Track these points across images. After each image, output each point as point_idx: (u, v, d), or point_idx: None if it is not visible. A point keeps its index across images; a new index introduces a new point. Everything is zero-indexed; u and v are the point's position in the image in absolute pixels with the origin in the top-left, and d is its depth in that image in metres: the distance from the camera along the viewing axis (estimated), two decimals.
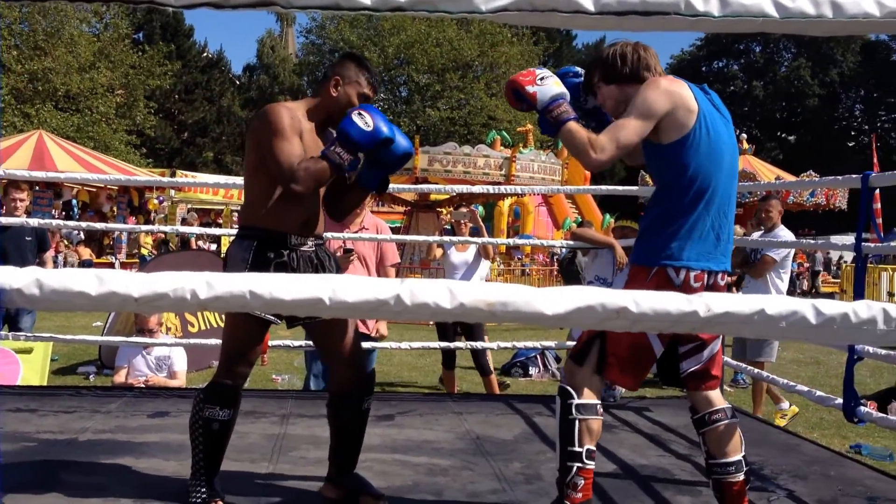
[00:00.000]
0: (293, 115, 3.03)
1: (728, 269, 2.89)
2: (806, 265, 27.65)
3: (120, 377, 6.21)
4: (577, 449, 2.79)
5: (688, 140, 2.75)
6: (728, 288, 2.99)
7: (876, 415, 4.05)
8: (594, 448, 2.84)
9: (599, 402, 2.86)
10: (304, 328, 3.34)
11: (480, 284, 1.13)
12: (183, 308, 1.04)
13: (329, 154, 2.94)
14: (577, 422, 2.80)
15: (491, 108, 39.17)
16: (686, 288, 2.76)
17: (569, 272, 6.98)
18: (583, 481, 2.80)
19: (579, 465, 2.79)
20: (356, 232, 5.30)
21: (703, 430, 2.96)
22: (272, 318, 3.11)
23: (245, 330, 3.08)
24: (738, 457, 2.92)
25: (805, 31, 1.11)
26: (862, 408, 4.06)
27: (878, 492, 3.57)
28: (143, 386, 5.92)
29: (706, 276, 2.80)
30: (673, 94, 2.73)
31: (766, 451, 4.10)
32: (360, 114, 2.94)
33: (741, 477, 2.91)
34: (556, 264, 21.32)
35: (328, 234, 5.06)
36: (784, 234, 6.55)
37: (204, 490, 3.08)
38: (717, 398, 2.96)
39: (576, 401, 2.82)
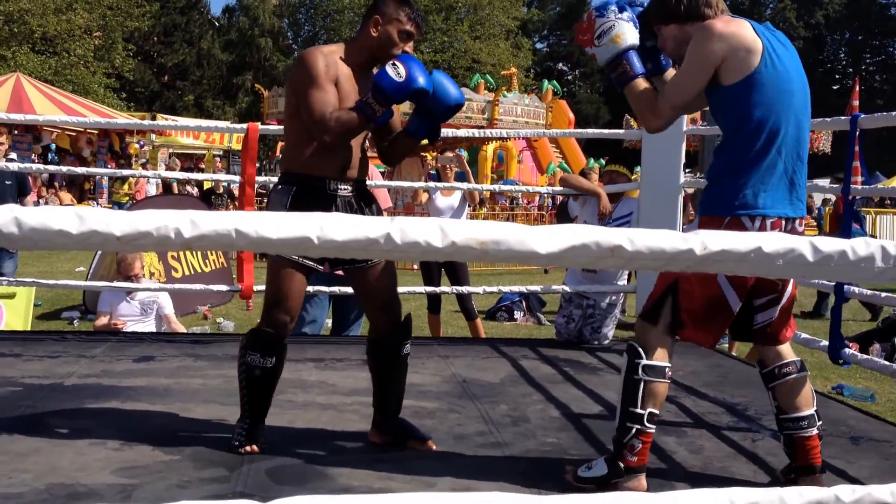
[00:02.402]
0: (329, 61, 3.00)
1: (804, 214, 2.75)
2: None
3: (101, 322, 6.18)
4: (638, 411, 2.67)
5: (752, 80, 2.60)
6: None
7: (860, 356, 4.09)
8: (657, 412, 2.70)
9: (669, 364, 2.72)
10: (345, 273, 3.31)
11: (472, 223, 1.10)
12: (166, 247, 1.01)
13: (361, 105, 2.91)
14: (642, 383, 2.67)
15: (475, 50, 38.80)
16: None
17: (561, 216, 6.97)
18: (640, 445, 2.68)
19: (639, 427, 2.67)
20: None
21: (773, 385, 2.85)
22: (312, 263, 3.08)
23: (284, 276, 3.04)
24: (811, 411, 2.82)
25: None
26: (846, 350, 4.09)
27: (861, 431, 3.61)
28: (122, 328, 5.90)
29: (783, 223, 2.67)
30: (728, 36, 2.58)
31: (750, 392, 4.14)
32: (394, 64, 2.87)
33: (814, 431, 2.81)
34: (540, 209, 21.31)
35: None
36: None
37: (244, 434, 3.09)
38: (787, 351, 2.86)
39: (644, 361, 2.68)
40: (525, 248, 1.09)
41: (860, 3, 47.03)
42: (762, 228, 2.64)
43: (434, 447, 3.17)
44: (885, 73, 49.47)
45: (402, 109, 3.43)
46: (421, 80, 2.87)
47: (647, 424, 2.67)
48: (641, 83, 2.75)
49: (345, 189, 3.11)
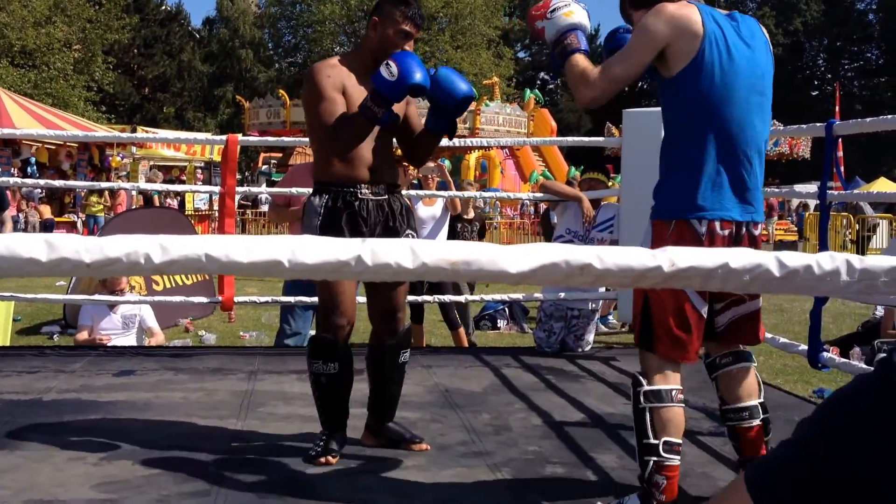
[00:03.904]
0: (334, 72, 3.07)
1: (757, 218, 2.60)
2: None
3: (83, 336, 6.15)
4: (652, 441, 2.50)
5: (692, 69, 2.48)
6: (753, 241, 2.63)
7: (839, 360, 4.12)
8: (676, 440, 2.51)
9: (674, 388, 2.55)
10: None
11: (443, 243, 1.11)
12: (137, 272, 1.02)
13: (362, 109, 2.94)
14: (646, 411, 2.52)
15: (456, 60, 38.85)
16: (713, 239, 2.52)
17: (545, 225, 6.99)
18: (664, 480, 2.50)
19: (656, 459, 2.49)
20: None
21: (715, 375, 2.75)
22: None
23: (332, 281, 3.07)
24: (754, 402, 2.70)
25: None
26: (825, 353, 4.12)
27: None
28: (108, 343, 5.87)
29: (734, 226, 2.55)
30: (678, 19, 2.46)
31: None
32: (387, 64, 2.89)
33: (756, 422, 2.68)
34: (523, 217, 21.37)
35: (301, 190, 5.00)
36: None
37: (321, 445, 3.13)
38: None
39: (644, 388, 2.54)
40: (496, 267, 1.10)
41: (838, 10, 47.48)
42: (710, 230, 2.53)
43: (427, 447, 3.24)
44: (863, 79, 49.92)
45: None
46: (417, 76, 2.87)
47: (665, 455, 2.49)
48: (582, 58, 2.61)
49: (376, 193, 3.15)
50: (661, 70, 2.56)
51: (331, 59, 3.20)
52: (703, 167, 2.51)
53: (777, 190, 7.53)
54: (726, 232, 2.55)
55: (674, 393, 2.55)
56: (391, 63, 2.88)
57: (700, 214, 2.52)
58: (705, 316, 2.62)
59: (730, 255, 1.14)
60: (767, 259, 1.14)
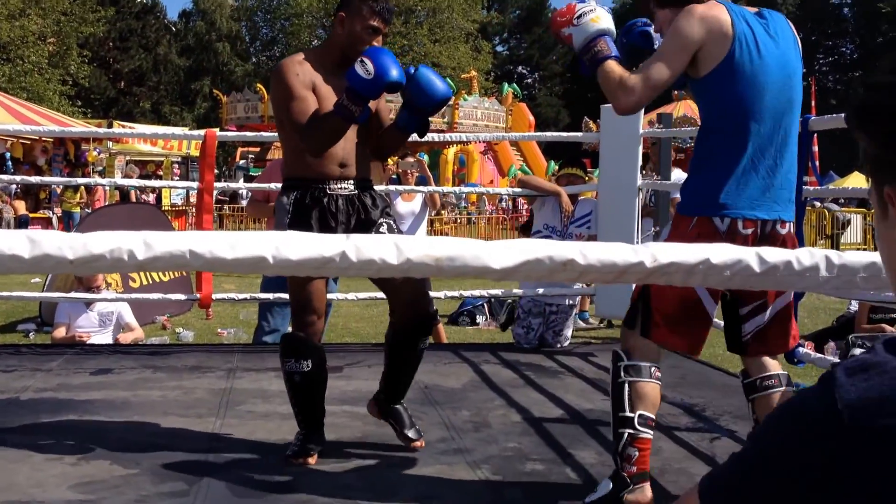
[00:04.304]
0: (302, 69, 3.03)
1: (785, 217, 2.60)
2: None
3: (60, 333, 6.10)
4: (627, 414, 2.57)
5: (722, 70, 2.49)
6: (780, 240, 2.57)
7: (814, 355, 4.16)
8: (651, 415, 2.58)
9: (654, 364, 2.62)
10: None
11: (427, 239, 1.11)
12: (120, 269, 1.01)
13: (338, 107, 2.91)
14: (625, 384, 2.59)
15: (435, 54, 38.84)
16: (734, 237, 2.48)
17: (527, 222, 6.97)
18: (637, 452, 2.56)
19: (630, 431, 2.56)
20: None
21: (754, 396, 2.72)
22: None
23: (303, 279, 3.04)
24: None
25: None
26: (801, 349, 4.16)
27: None
28: (85, 341, 5.83)
29: (759, 225, 2.55)
30: (707, 20, 2.47)
31: (707, 393, 4.19)
32: (362, 61, 2.85)
33: None
34: (502, 212, 21.40)
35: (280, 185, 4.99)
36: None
37: (298, 444, 3.11)
38: (773, 364, 2.72)
39: (624, 362, 2.61)
40: (480, 263, 1.10)
41: (813, 4, 47.83)
42: (732, 229, 2.53)
43: (422, 445, 3.23)
44: (837, 73, 50.35)
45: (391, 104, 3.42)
46: (393, 73, 2.84)
47: (640, 428, 2.56)
48: (615, 64, 2.59)
49: (346, 188, 3.12)
50: (689, 70, 2.56)
51: (297, 55, 3.15)
52: (730, 165, 2.53)
53: None
54: (749, 231, 2.55)
55: (652, 370, 2.61)
56: (366, 60, 2.84)
57: (723, 212, 2.53)
58: (712, 317, 2.65)
59: (711, 250, 1.15)
60: (748, 255, 1.15)
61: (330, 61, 3.11)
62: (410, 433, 3.25)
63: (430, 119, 3.19)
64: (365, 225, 3.14)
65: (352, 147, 3.14)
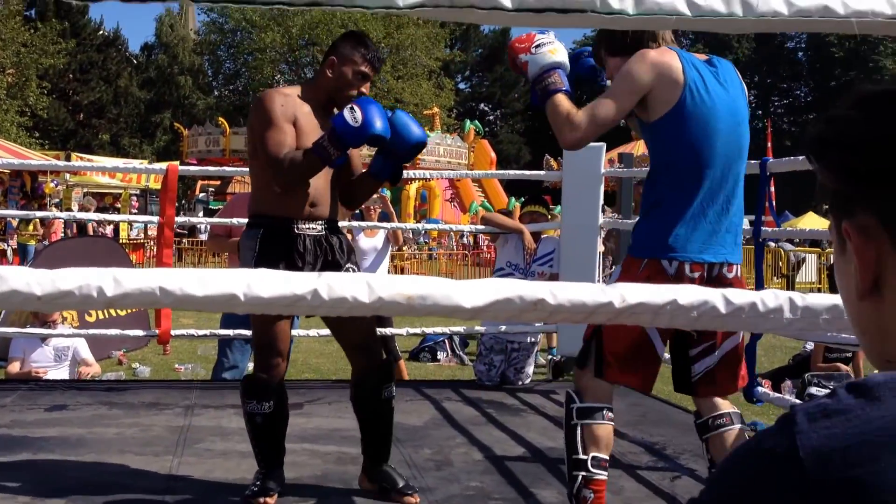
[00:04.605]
0: (287, 101, 3.00)
1: (732, 260, 2.63)
2: None
3: (14, 368, 5.98)
4: (581, 456, 2.57)
5: (673, 115, 2.53)
6: (727, 284, 2.54)
7: (772, 395, 4.21)
8: (604, 456, 2.59)
9: (606, 405, 2.62)
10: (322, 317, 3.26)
11: (400, 278, 1.12)
12: (89, 306, 1.00)
13: (317, 147, 2.88)
14: (578, 427, 2.59)
15: (398, 90, 39.03)
16: (681, 280, 2.52)
17: None
18: (591, 494, 2.55)
19: (584, 473, 2.55)
20: None
21: (707, 436, 2.72)
22: None
23: (268, 318, 2.97)
24: None
25: (717, 29, 1.13)
26: (759, 388, 4.21)
27: None
28: (40, 377, 5.72)
29: (706, 268, 2.57)
30: (658, 65, 2.52)
31: (667, 431, 4.21)
32: (352, 108, 2.83)
33: None
34: (463, 249, 21.44)
35: (242, 220, 4.95)
36: None
37: (258, 484, 3.03)
38: (724, 403, 2.73)
39: (576, 404, 2.61)
40: (451, 302, 1.11)
41: (768, 48, 48.92)
42: (680, 272, 2.55)
43: (417, 500, 3.10)
44: (792, 116, 51.41)
45: (363, 152, 3.41)
46: (378, 125, 2.83)
47: (593, 470, 2.56)
48: (565, 98, 2.61)
49: (313, 229, 3.07)
50: (640, 114, 2.61)
51: (284, 87, 3.16)
52: (680, 209, 2.55)
53: None
54: (696, 274, 2.57)
55: (604, 411, 2.62)
56: (356, 108, 2.82)
57: (671, 255, 2.55)
58: (662, 358, 2.67)
59: (678, 291, 1.16)
60: (714, 296, 1.17)
61: (315, 100, 3.10)
62: (404, 488, 3.12)
63: (403, 166, 3.17)
64: (331, 267, 3.08)
65: (324, 188, 3.10)
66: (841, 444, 0.59)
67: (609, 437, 2.63)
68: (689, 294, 1.16)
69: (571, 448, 2.61)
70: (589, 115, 2.54)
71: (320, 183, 3.08)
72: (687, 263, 2.56)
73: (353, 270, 3.17)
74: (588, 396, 2.63)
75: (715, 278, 2.59)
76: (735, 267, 2.65)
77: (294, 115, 3.01)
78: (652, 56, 2.55)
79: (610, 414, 2.64)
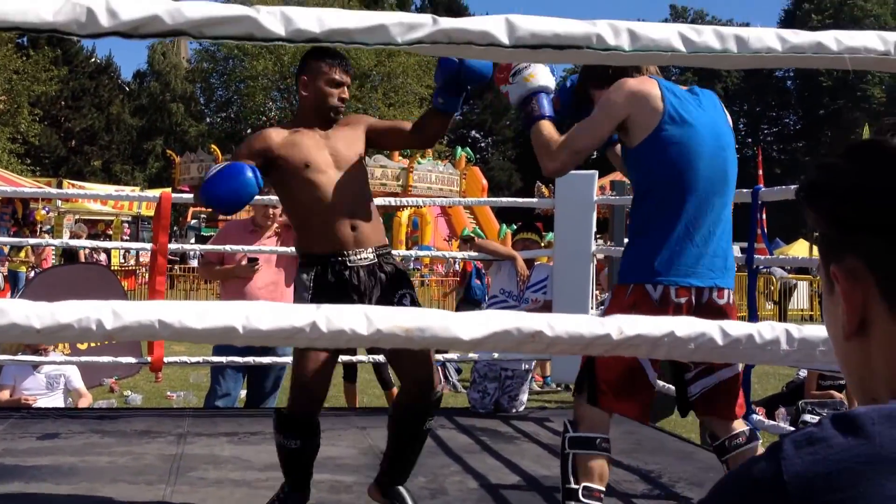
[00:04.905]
0: (281, 134, 3.06)
1: (722, 284, 2.62)
2: None
3: (5, 396, 5.94)
4: (572, 486, 2.56)
5: (652, 140, 2.55)
6: (718, 310, 2.60)
7: (767, 423, 4.21)
8: (597, 486, 2.56)
9: (601, 435, 2.61)
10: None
11: (397, 310, 1.12)
12: (88, 338, 1.00)
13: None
14: (570, 456, 2.58)
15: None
16: (667, 305, 2.54)
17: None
18: None
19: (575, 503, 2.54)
20: (269, 238, 5.20)
21: (726, 458, 2.73)
22: None
23: (308, 355, 2.92)
24: None
25: (711, 65, 1.15)
26: (754, 416, 4.20)
27: None
28: (31, 405, 5.68)
29: (693, 292, 2.56)
30: (636, 93, 2.55)
31: (662, 459, 4.20)
32: (219, 167, 2.87)
33: None
34: (454, 275, 21.41)
35: (235, 247, 4.96)
36: None
37: (278, 501, 3.05)
38: (737, 422, 2.75)
39: (570, 434, 2.61)
40: (449, 334, 1.11)
41: (757, 77, 49.31)
42: (665, 296, 2.54)
43: None
44: (781, 143, 51.81)
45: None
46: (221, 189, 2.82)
47: (584, 500, 2.53)
48: (546, 125, 2.65)
49: (365, 259, 3.04)
50: (624, 140, 2.63)
51: (274, 127, 3.19)
52: (665, 233, 2.55)
53: None
54: (683, 300, 2.56)
55: (598, 441, 2.60)
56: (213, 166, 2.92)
57: (656, 280, 2.54)
58: (655, 385, 2.68)
59: (676, 323, 1.17)
60: (711, 328, 1.17)
61: (304, 124, 3.12)
62: None
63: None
64: (386, 296, 3.05)
65: (362, 214, 3.08)
66: (824, 470, 0.62)
67: (603, 467, 2.60)
68: (686, 326, 1.17)
69: (564, 477, 2.60)
70: (567, 144, 2.59)
71: (359, 209, 3.07)
72: (672, 287, 2.54)
73: (409, 296, 3.13)
74: (583, 426, 2.62)
75: (704, 304, 2.57)
76: (726, 292, 2.63)
77: (276, 145, 3.04)
78: (630, 84, 2.58)
79: (605, 444, 2.62)
